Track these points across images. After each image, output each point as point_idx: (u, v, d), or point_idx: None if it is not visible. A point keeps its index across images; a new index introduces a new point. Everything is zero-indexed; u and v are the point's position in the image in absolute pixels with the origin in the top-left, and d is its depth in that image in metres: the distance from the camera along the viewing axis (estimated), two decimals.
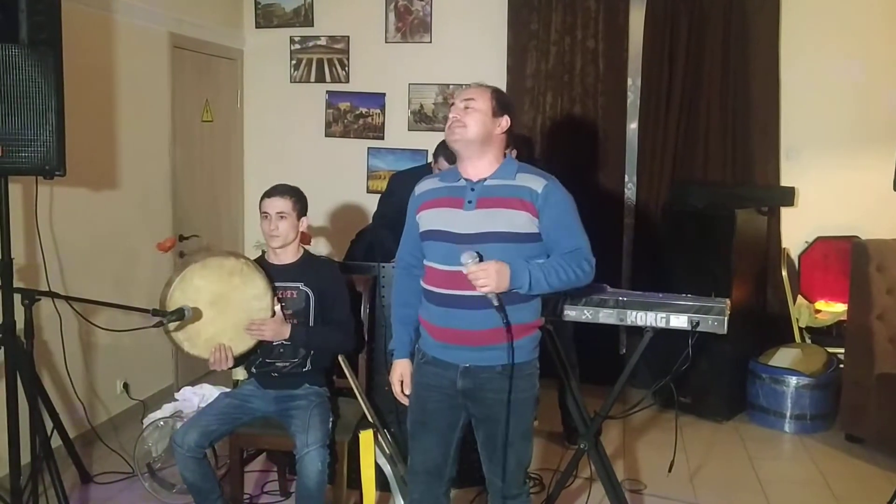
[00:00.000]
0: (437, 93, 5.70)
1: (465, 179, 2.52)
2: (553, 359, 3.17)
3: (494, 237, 2.43)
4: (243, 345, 3.18)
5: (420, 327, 2.66)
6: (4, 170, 3.01)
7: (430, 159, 4.23)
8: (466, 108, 2.49)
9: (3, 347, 3.19)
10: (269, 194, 3.28)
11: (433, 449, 2.63)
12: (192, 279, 3.09)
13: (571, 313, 3.08)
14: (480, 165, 2.52)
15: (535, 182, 2.49)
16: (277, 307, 3.20)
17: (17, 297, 3.24)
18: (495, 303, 2.37)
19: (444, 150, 4.05)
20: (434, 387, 2.58)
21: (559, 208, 2.48)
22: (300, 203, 3.30)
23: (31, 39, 2.92)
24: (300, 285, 3.27)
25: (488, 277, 2.33)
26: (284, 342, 3.24)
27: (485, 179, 2.50)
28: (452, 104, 2.54)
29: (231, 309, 3.13)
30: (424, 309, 2.61)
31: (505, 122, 2.54)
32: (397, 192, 4.12)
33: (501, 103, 2.55)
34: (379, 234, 4.10)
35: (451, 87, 5.60)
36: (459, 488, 3.62)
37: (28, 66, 2.93)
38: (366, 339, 3.56)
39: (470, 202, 2.47)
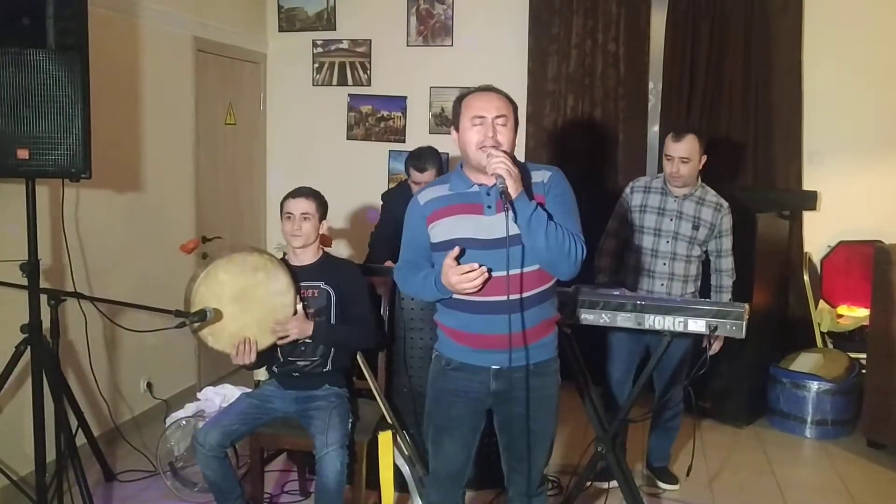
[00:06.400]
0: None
1: (479, 185, 2.51)
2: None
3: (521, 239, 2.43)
4: (266, 340, 3.19)
5: (439, 332, 2.67)
6: (32, 172, 3.07)
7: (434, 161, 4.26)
8: (496, 125, 2.47)
9: (29, 347, 3.24)
10: (293, 195, 3.32)
11: (457, 453, 2.64)
12: (217, 274, 3.12)
13: (589, 317, 3.09)
14: None
15: (543, 175, 2.54)
16: (299, 305, 3.22)
17: (43, 298, 3.30)
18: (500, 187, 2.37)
19: (412, 161, 4.17)
20: (461, 392, 2.58)
21: (559, 189, 2.52)
22: (322, 206, 3.35)
23: (58, 44, 2.97)
24: (321, 284, 3.30)
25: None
26: (307, 340, 3.28)
27: None
28: (478, 117, 2.48)
29: (254, 304, 3.16)
30: (449, 316, 2.59)
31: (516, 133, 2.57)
32: (393, 208, 4.21)
33: (517, 115, 2.57)
34: (378, 253, 4.21)
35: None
36: (477, 490, 3.63)
37: (55, 70, 2.98)
38: (389, 335, 3.59)
39: (489, 207, 2.47)
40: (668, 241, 3.67)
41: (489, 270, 2.40)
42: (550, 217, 2.41)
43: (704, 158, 3.65)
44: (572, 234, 2.42)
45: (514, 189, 2.37)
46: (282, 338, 3.20)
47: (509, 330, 2.41)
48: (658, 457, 4.00)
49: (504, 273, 2.39)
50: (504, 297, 2.41)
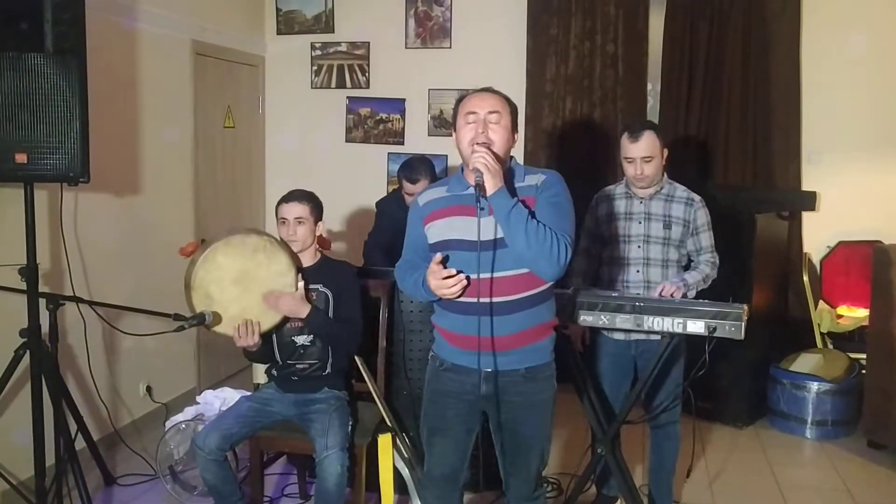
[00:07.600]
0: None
1: (474, 186, 2.51)
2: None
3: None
4: (269, 321, 3.18)
5: (435, 333, 2.67)
6: (30, 177, 3.07)
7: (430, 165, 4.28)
8: (489, 122, 2.48)
9: (28, 351, 3.24)
10: (286, 199, 3.30)
11: (451, 455, 2.64)
12: (216, 257, 3.10)
13: (588, 318, 3.08)
14: None
15: (538, 178, 2.54)
16: (301, 284, 3.19)
17: (42, 302, 3.30)
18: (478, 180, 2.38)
19: (404, 171, 4.17)
20: (453, 393, 2.59)
21: (553, 190, 2.51)
22: (317, 208, 3.33)
23: (56, 48, 2.97)
24: (319, 286, 3.29)
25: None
26: (305, 343, 3.28)
27: None
28: (471, 113, 2.50)
29: (256, 286, 3.14)
30: (443, 317, 2.60)
31: (516, 136, 2.57)
32: (388, 214, 4.21)
33: (515, 117, 2.57)
34: (373, 259, 4.20)
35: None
36: (476, 492, 3.63)
37: (53, 74, 2.98)
38: (380, 342, 3.56)
39: (482, 209, 2.47)
40: (638, 247, 3.35)
41: (468, 278, 2.42)
42: (533, 215, 2.40)
43: (666, 153, 3.38)
44: (556, 233, 2.40)
45: (491, 184, 2.37)
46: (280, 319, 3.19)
47: (478, 332, 2.42)
48: (659, 489, 3.52)
49: (496, 274, 2.42)
50: (487, 299, 2.43)
